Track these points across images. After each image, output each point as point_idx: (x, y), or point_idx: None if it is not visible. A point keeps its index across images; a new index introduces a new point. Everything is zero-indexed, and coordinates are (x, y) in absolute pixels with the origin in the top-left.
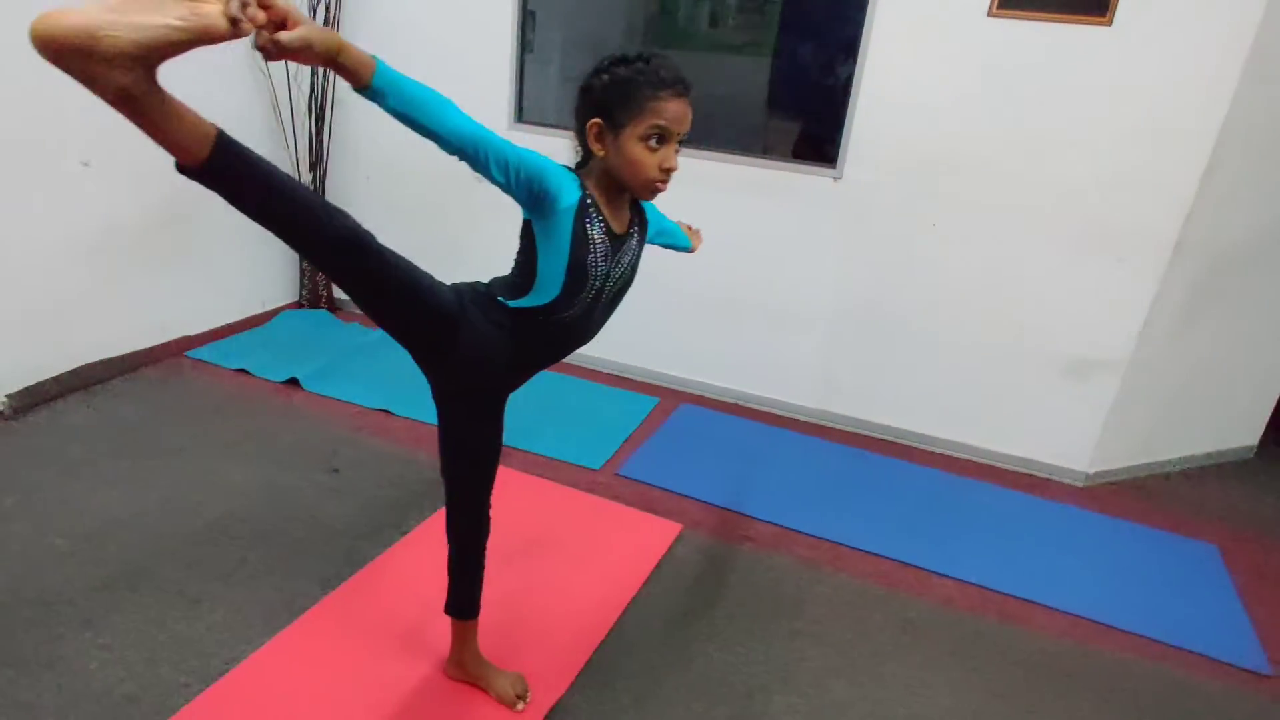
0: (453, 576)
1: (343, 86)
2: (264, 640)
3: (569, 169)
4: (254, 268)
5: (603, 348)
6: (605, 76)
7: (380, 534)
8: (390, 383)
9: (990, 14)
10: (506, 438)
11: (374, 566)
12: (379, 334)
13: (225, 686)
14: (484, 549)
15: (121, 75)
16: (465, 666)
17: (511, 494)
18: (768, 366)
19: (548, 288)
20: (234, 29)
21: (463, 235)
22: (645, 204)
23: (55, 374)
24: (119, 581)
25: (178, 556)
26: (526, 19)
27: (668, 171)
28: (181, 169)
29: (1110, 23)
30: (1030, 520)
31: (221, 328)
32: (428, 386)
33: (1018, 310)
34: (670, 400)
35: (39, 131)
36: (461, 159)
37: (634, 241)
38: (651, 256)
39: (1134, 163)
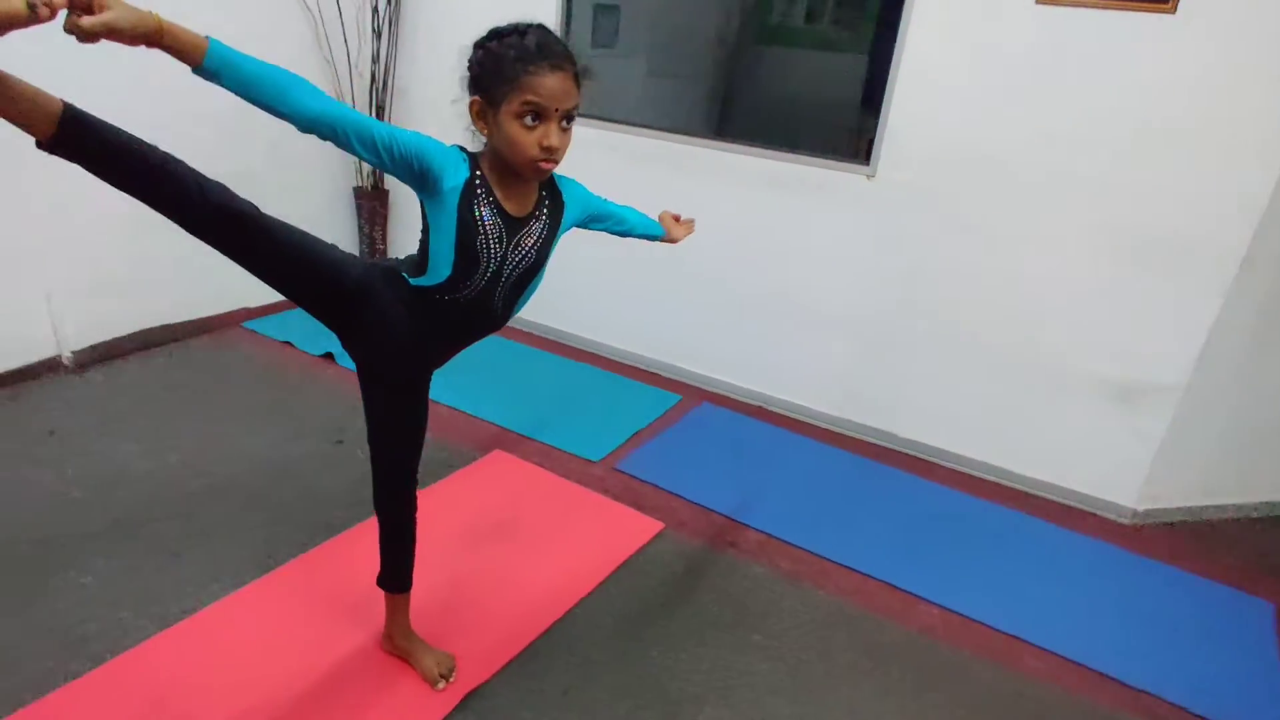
0: (382, 550)
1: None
2: (225, 595)
3: (461, 149)
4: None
5: (628, 340)
6: (480, 51)
7: (363, 506)
8: None
9: (1038, 1)
10: (514, 423)
11: (347, 536)
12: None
13: (172, 634)
14: (411, 524)
15: None
16: (394, 640)
17: (496, 478)
18: (792, 369)
19: (440, 268)
20: (32, 14)
21: None
22: (572, 187)
23: (119, 335)
24: (113, 530)
25: (173, 512)
26: (571, 17)
27: (548, 150)
28: (39, 146)
29: (1174, 10)
30: (1055, 554)
31: (280, 302)
32: (456, 371)
33: (1060, 324)
34: (693, 398)
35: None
36: (321, 137)
37: (539, 225)
38: (681, 250)
39: (1197, 166)
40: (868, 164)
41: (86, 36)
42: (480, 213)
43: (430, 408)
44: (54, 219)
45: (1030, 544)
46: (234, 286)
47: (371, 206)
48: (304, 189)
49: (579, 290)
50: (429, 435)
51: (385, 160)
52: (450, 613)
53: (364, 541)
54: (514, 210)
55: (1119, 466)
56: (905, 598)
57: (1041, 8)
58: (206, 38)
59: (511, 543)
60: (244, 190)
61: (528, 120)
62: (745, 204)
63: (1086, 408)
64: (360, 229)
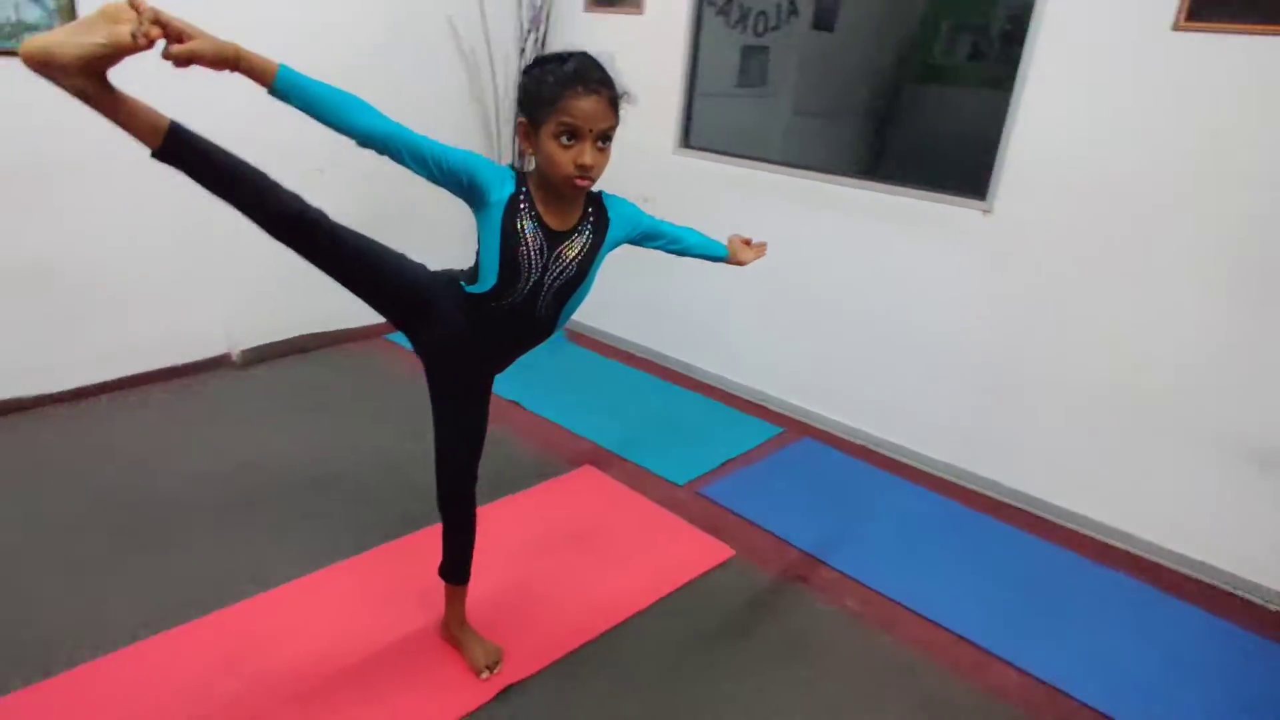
0: (444, 542)
1: None
2: (316, 570)
3: (512, 168)
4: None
5: (738, 370)
6: (526, 78)
7: None
8: (535, 380)
9: (1176, 27)
10: (609, 442)
11: (433, 530)
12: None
13: (263, 600)
14: (469, 521)
15: (74, 80)
16: (449, 627)
17: (580, 491)
18: (901, 410)
19: (488, 276)
20: (135, 43)
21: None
22: (620, 205)
23: (279, 339)
24: (239, 504)
25: (292, 493)
26: (696, 63)
27: (583, 167)
28: (152, 155)
29: None
30: (1177, 633)
31: None
32: (565, 389)
33: (1194, 377)
34: (796, 433)
35: (286, 138)
36: (378, 152)
37: (581, 240)
38: (795, 282)
39: None
40: (984, 199)
41: (178, 62)
42: (523, 225)
43: (539, 423)
44: (233, 241)
45: (1148, 618)
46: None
47: None
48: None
49: (692, 318)
50: (531, 447)
51: (435, 174)
52: (509, 610)
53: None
54: (556, 225)
55: (1266, 543)
56: (980, 655)
57: (1179, 34)
58: (279, 64)
59: (581, 553)
60: (426, 218)
61: (564, 140)
62: (859, 237)
63: (1229, 474)
64: None
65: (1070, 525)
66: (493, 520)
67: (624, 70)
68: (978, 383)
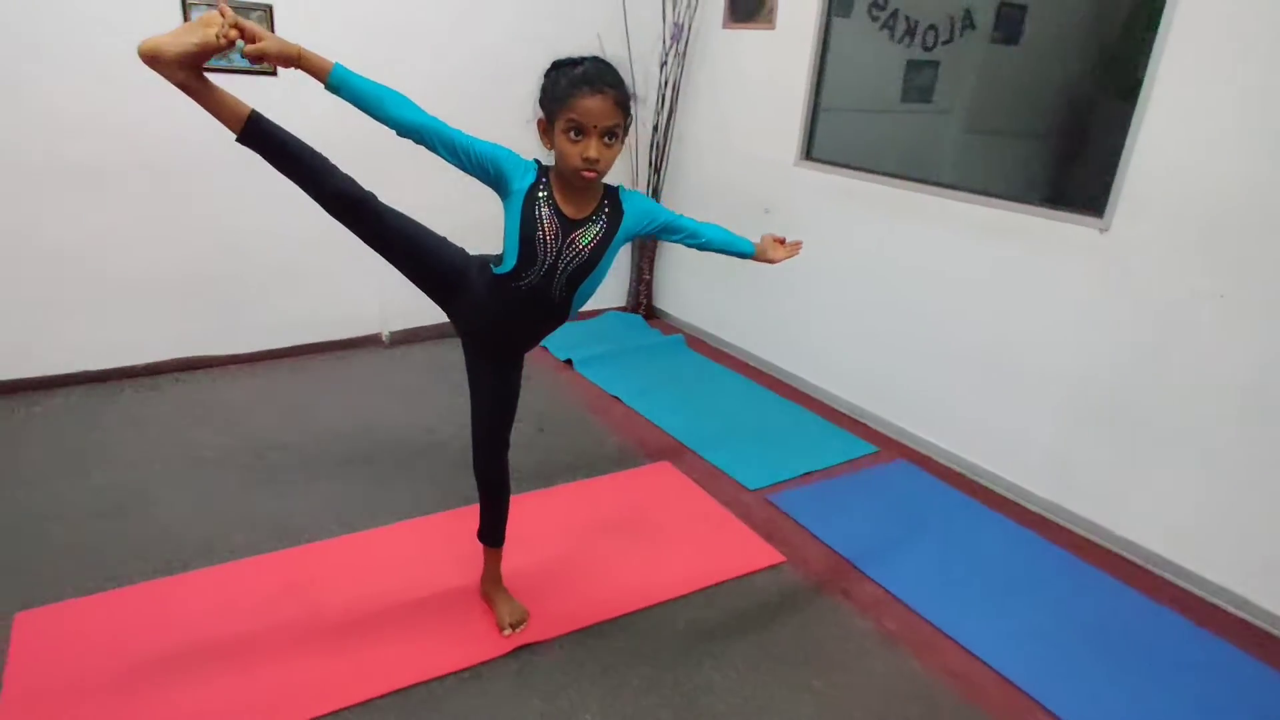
0: (480, 507)
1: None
2: (395, 523)
3: (537, 161)
4: None
5: (843, 386)
6: (545, 79)
7: (529, 483)
8: (636, 378)
9: None
10: (693, 440)
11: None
12: (661, 340)
13: (340, 541)
14: (502, 487)
15: (176, 73)
16: (484, 585)
17: (651, 484)
18: (999, 437)
19: (509, 258)
20: (219, 42)
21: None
22: (635, 200)
23: (422, 325)
24: (353, 459)
25: (399, 455)
26: (822, 76)
27: (588, 160)
28: (236, 139)
29: None
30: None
31: None
32: (668, 389)
33: None
34: (892, 453)
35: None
36: (416, 142)
37: (595, 228)
38: (900, 298)
39: None
40: (1101, 217)
41: (252, 59)
42: (540, 212)
43: (633, 417)
44: None
45: (1248, 688)
46: None
47: (642, 242)
48: None
49: (803, 331)
50: (618, 440)
51: (464, 162)
52: (548, 579)
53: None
54: (571, 213)
55: None
56: (1023, 701)
57: None
58: (334, 63)
59: (632, 538)
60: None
61: (573, 135)
62: (966, 253)
63: None
64: (634, 260)
65: (1179, 582)
66: (559, 499)
67: (752, 82)
68: (1086, 414)
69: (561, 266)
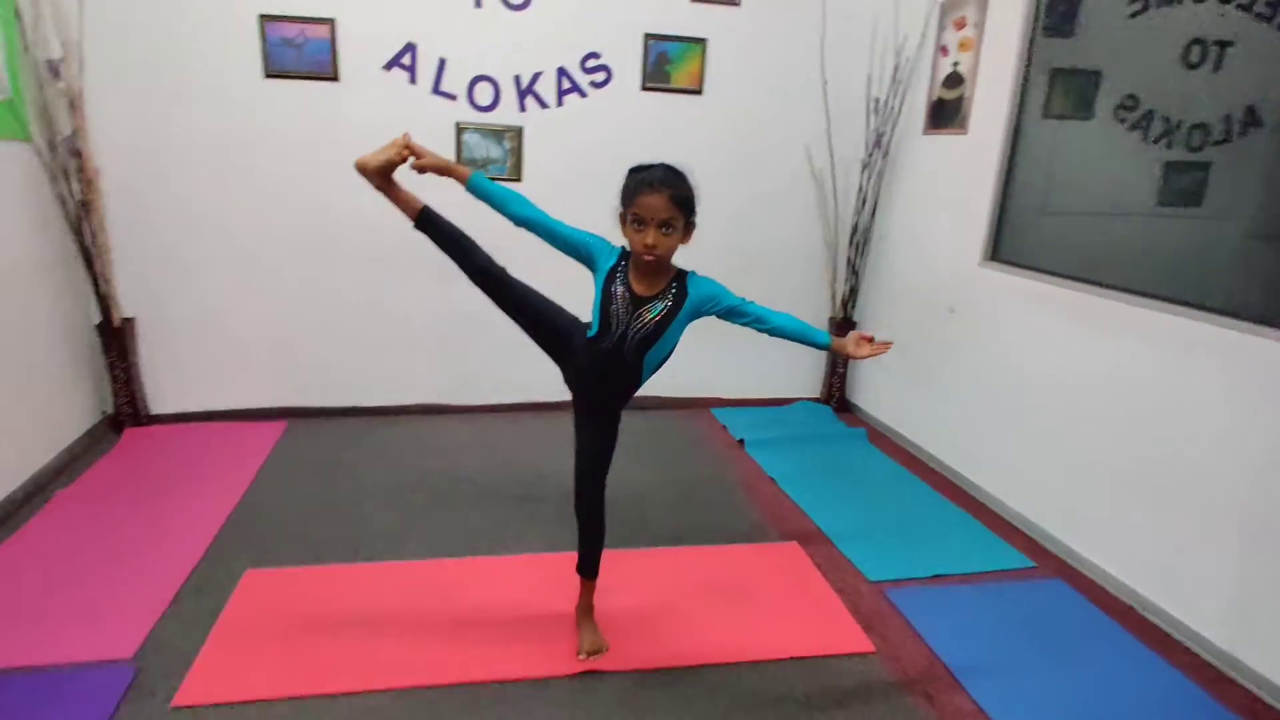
0: (578, 541)
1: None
2: (525, 553)
3: (623, 249)
4: (790, 365)
5: (1010, 494)
6: (624, 180)
7: (658, 541)
8: (798, 464)
9: None
10: (831, 528)
11: (621, 553)
12: (843, 431)
13: (476, 561)
14: (597, 524)
15: (374, 179)
16: (576, 612)
17: (770, 560)
18: (1170, 571)
19: (594, 324)
20: (401, 157)
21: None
22: (703, 284)
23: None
24: (508, 497)
25: (547, 499)
26: (1010, 178)
27: (648, 246)
28: (414, 226)
29: None
30: None
31: (749, 399)
32: (827, 477)
33: None
34: (1050, 571)
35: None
36: (529, 230)
37: (661, 304)
38: (1078, 409)
39: None
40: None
41: (419, 171)
42: (615, 288)
43: (777, 496)
44: None
45: None
46: (707, 379)
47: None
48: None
49: (976, 431)
50: (753, 512)
51: (564, 247)
52: (639, 620)
53: (623, 559)
54: (641, 291)
55: None
56: None
57: None
58: (474, 172)
59: (728, 602)
60: None
61: (636, 225)
62: (1136, 359)
63: None
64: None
65: None
66: (676, 559)
67: (943, 184)
68: (1258, 552)
69: (630, 335)
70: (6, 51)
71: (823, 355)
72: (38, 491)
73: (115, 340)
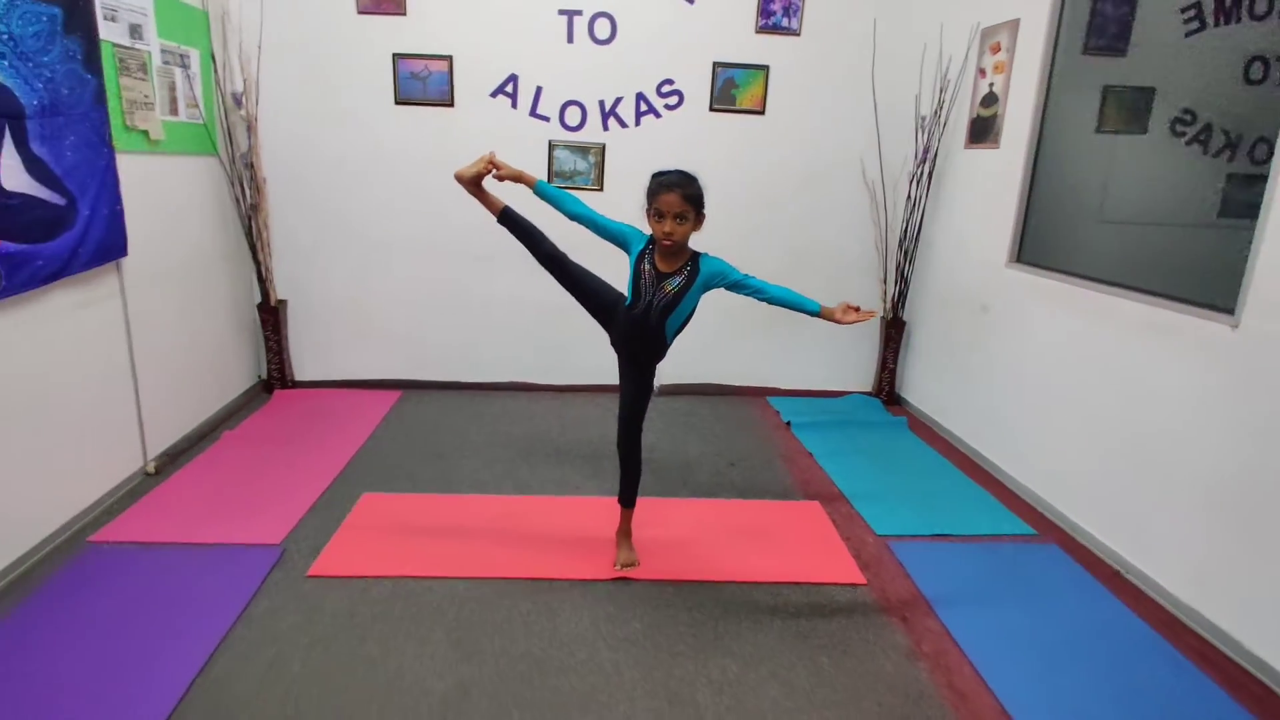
0: (620, 474)
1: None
2: (592, 495)
3: (650, 235)
4: (842, 359)
5: (1023, 471)
6: (648, 184)
7: (698, 493)
8: (837, 442)
9: None
10: (851, 490)
11: (662, 501)
12: (885, 419)
13: (547, 499)
14: (634, 460)
15: (468, 186)
16: (617, 533)
17: (789, 516)
18: (1150, 535)
19: (628, 295)
20: (487, 169)
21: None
22: (712, 262)
23: (690, 382)
24: (582, 456)
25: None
26: (1033, 186)
27: (665, 234)
28: (497, 221)
29: None
30: None
31: (803, 389)
32: (859, 453)
33: None
34: (1048, 538)
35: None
36: (579, 224)
37: (678, 279)
38: (1087, 395)
39: None
40: (1231, 313)
41: (499, 180)
42: (644, 266)
43: (811, 467)
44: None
45: None
46: (767, 372)
47: (889, 334)
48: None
49: (1003, 415)
50: (787, 479)
51: (607, 236)
52: (669, 546)
53: (664, 505)
54: (663, 268)
55: None
56: None
57: None
58: (537, 179)
59: (748, 539)
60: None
61: (656, 217)
62: (1094, 342)
63: None
64: (879, 349)
65: None
66: (711, 508)
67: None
68: (1212, 517)
69: (655, 303)
70: (204, 86)
71: (874, 351)
72: (211, 431)
73: (271, 318)
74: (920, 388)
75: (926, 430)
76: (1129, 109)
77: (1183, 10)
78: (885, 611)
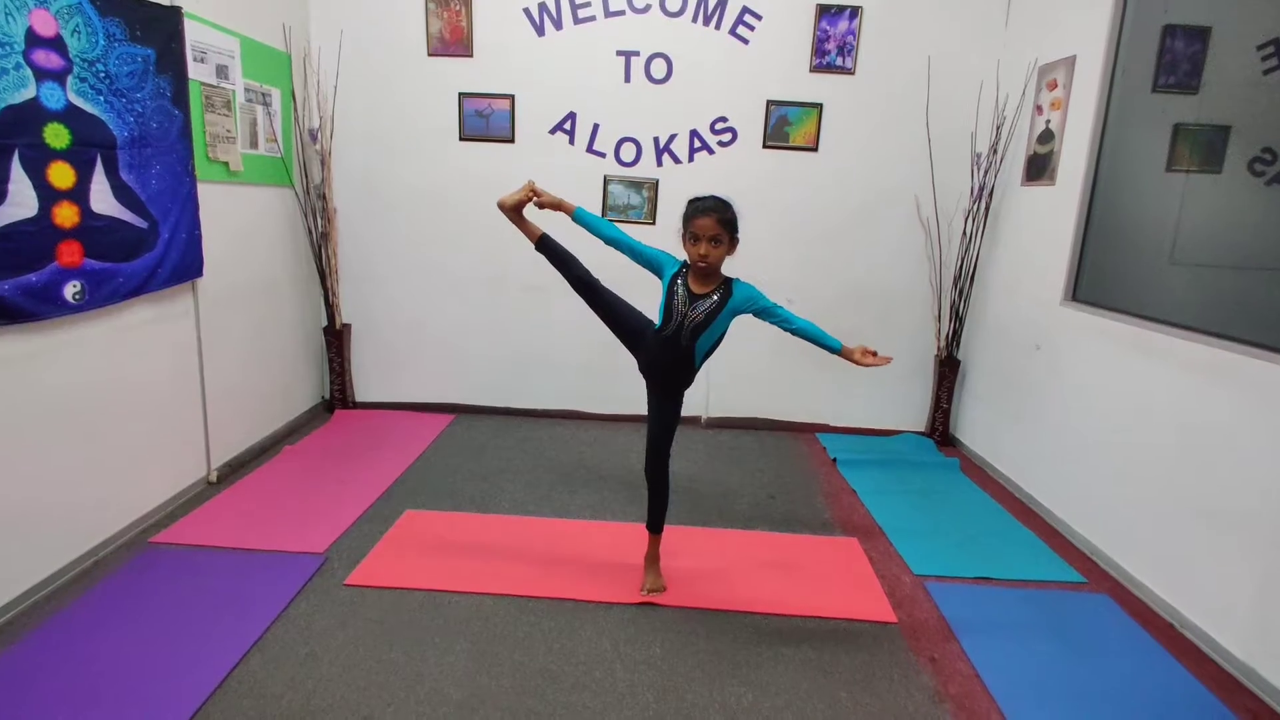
0: (648, 501)
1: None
2: (626, 521)
3: (684, 260)
4: (896, 398)
5: (1076, 518)
6: (684, 210)
7: (735, 524)
8: (883, 481)
9: None
10: (891, 527)
11: (699, 530)
12: (937, 459)
13: (582, 523)
14: (662, 486)
15: (509, 214)
16: (645, 559)
17: (827, 551)
18: (1208, 591)
19: (660, 317)
20: (527, 197)
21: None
22: (744, 288)
23: (735, 415)
24: (617, 482)
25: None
26: (1089, 225)
27: (700, 256)
28: (535, 249)
29: None
30: None
31: (856, 428)
32: (904, 494)
33: None
34: (1099, 587)
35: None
36: (615, 249)
37: (710, 302)
38: (1131, 436)
39: None
40: None
41: (540, 207)
42: (678, 288)
43: (853, 504)
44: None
45: None
46: (818, 409)
47: (943, 372)
48: (901, 348)
49: (1056, 459)
50: (828, 513)
51: (640, 260)
52: (699, 576)
53: (698, 534)
54: (696, 290)
55: None
56: None
57: None
58: (576, 207)
59: (781, 572)
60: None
61: (690, 240)
62: (1163, 385)
63: None
64: (933, 389)
65: None
66: (747, 539)
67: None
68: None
69: (686, 324)
70: (283, 122)
71: (928, 390)
72: (273, 445)
73: (336, 341)
74: (974, 428)
75: (979, 473)
76: (1203, 147)
77: (1260, 47)
78: (913, 651)
